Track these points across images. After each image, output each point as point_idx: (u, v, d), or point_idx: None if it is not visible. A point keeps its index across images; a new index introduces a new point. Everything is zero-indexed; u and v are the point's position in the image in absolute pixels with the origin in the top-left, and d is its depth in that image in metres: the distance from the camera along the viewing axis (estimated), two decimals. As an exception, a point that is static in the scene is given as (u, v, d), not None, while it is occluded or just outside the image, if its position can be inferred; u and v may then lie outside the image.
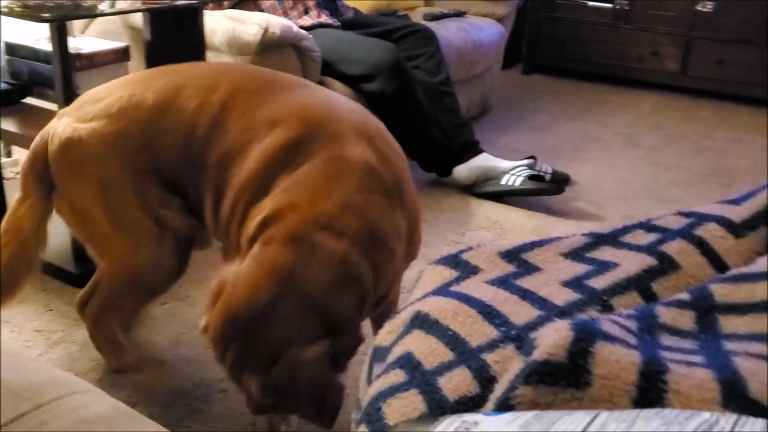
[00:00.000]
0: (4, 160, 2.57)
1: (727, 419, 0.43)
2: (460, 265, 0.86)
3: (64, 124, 1.31)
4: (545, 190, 2.43)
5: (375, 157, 1.12)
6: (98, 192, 1.29)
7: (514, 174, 2.48)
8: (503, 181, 2.48)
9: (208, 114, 1.22)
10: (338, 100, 1.30)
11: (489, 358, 0.66)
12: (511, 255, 0.86)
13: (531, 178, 2.46)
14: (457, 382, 0.64)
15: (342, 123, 1.16)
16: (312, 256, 1.00)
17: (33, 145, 1.36)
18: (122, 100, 1.27)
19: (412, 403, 0.63)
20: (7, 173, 2.42)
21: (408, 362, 0.68)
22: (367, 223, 1.05)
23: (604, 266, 0.81)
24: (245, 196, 1.16)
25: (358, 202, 1.05)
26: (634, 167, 2.92)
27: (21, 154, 2.61)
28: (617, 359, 0.55)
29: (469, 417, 0.52)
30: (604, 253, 0.84)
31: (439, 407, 0.62)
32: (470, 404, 0.62)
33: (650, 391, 0.53)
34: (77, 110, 1.32)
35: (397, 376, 0.67)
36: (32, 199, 1.35)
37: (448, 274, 0.84)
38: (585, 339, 0.56)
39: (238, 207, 1.17)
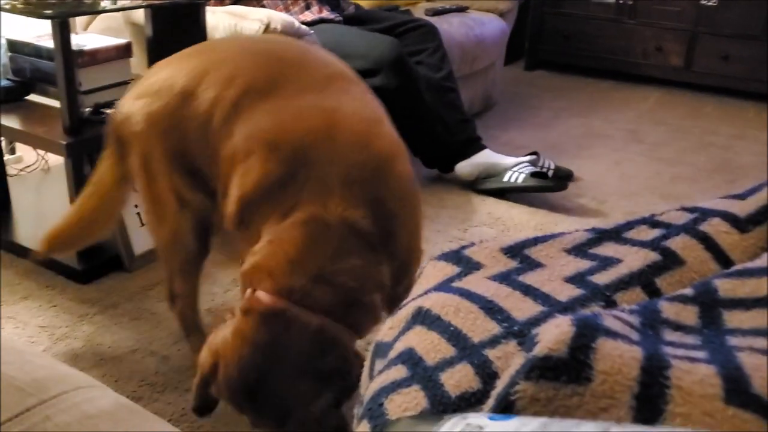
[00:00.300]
0: (7, 157, 2.57)
1: None
2: (461, 261, 0.86)
3: (127, 97, 1.41)
4: (548, 187, 2.43)
5: (361, 208, 1.14)
6: (141, 165, 1.40)
7: (516, 171, 2.48)
8: (505, 178, 2.48)
9: (221, 109, 1.26)
10: (348, 116, 1.22)
11: (491, 353, 0.66)
12: (514, 251, 0.85)
13: (533, 175, 2.46)
14: (458, 378, 0.64)
15: (336, 163, 1.15)
16: (288, 330, 1.09)
17: (112, 112, 1.48)
18: (160, 81, 1.36)
19: (413, 398, 0.63)
20: (10, 170, 2.43)
21: (410, 358, 0.68)
22: (339, 292, 1.12)
23: (607, 262, 0.81)
24: (243, 221, 1.23)
25: (331, 272, 1.12)
26: (637, 163, 2.91)
27: (24, 151, 2.61)
28: (619, 354, 0.55)
29: (475, 420, 0.52)
30: (607, 249, 0.84)
31: (441, 403, 0.62)
32: (472, 400, 0.62)
33: (652, 386, 0.53)
34: (137, 85, 1.42)
35: (399, 371, 0.67)
36: (112, 160, 1.48)
37: (449, 270, 0.84)
38: (586, 334, 0.56)
39: (241, 226, 1.24)
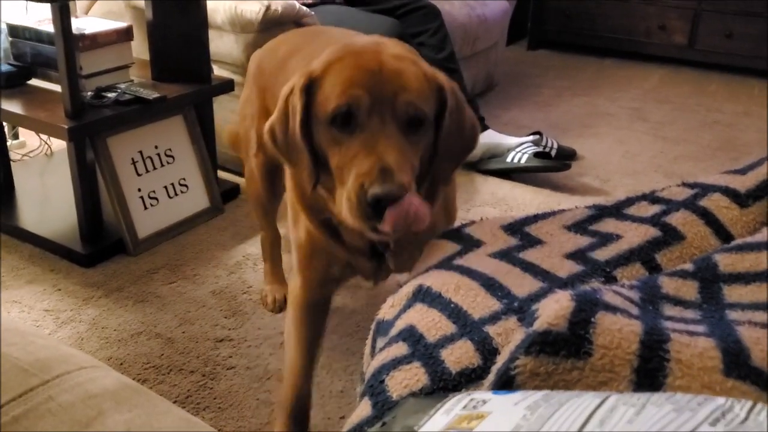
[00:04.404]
0: (10, 142, 2.57)
1: (742, 405, 0.41)
2: (462, 239, 0.86)
3: (264, 46, 1.62)
4: (551, 167, 2.41)
5: None
6: (242, 103, 1.62)
7: (519, 151, 2.47)
8: (509, 159, 2.46)
9: (286, 73, 1.41)
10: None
11: (491, 330, 0.66)
12: (514, 228, 0.85)
13: (536, 155, 2.45)
14: (459, 355, 0.64)
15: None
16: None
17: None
18: (276, 42, 1.54)
19: (414, 375, 0.63)
20: (14, 155, 2.43)
21: (410, 335, 0.68)
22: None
23: (607, 238, 0.81)
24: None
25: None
26: (641, 142, 2.90)
27: (28, 137, 2.61)
28: (618, 329, 0.55)
29: (479, 395, 0.52)
30: (608, 226, 0.84)
31: (442, 379, 0.62)
32: (472, 376, 0.62)
33: (651, 360, 0.53)
34: (272, 40, 1.61)
35: (400, 348, 0.67)
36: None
37: (450, 248, 0.84)
38: (586, 309, 0.56)
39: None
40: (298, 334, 1.29)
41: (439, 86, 1.02)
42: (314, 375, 1.30)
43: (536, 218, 0.86)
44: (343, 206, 0.90)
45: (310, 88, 0.97)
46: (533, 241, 0.82)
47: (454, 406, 0.52)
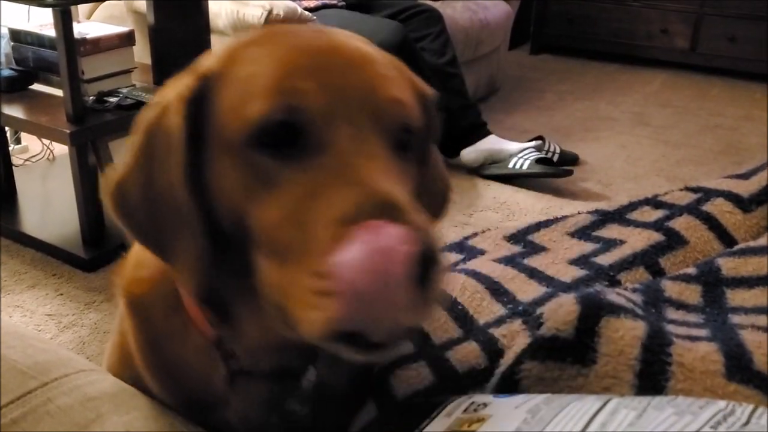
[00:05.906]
0: (12, 147, 2.58)
1: (744, 409, 0.41)
2: (465, 249, 0.86)
3: None
4: (553, 173, 2.41)
5: None
6: None
7: (521, 157, 2.46)
8: (511, 165, 2.46)
9: None
10: None
11: (497, 332, 0.66)
12: (517, 237, 0.85)
13: (539, 161, 2.44)
14: (465, 354, 0.64)
15: None
16: None
17: None
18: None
19: (419, 374, 0.63)
20: (16, 160, 2.43)
21: (416, 335, 0.68)
22: None
23: (610, 244, 0.80)
24: None
25: None
26: (643, 146, 2.90)
27: (30, 141, 2.62)
28: (621, 336, 0.55)
29: (479, 398, 0.52)
30: (611, 231, 0.84)
31: (447, 378, 0.62)
32: (478, 377, 0.62)
33: (653, 364, 0.53)
34: None
35: (406, 347, 0.67)
36: None
37: (453, 257, 0.84)
38: (591, 315, 0.56)
39: None
40: None
41: (422, 93, 0.61)
42: None
43: (539, 226, 0.86)
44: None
45: (201, 98, 0.55)
46: (537, 249, 0.82)
47: (455, 409, 0.52)
